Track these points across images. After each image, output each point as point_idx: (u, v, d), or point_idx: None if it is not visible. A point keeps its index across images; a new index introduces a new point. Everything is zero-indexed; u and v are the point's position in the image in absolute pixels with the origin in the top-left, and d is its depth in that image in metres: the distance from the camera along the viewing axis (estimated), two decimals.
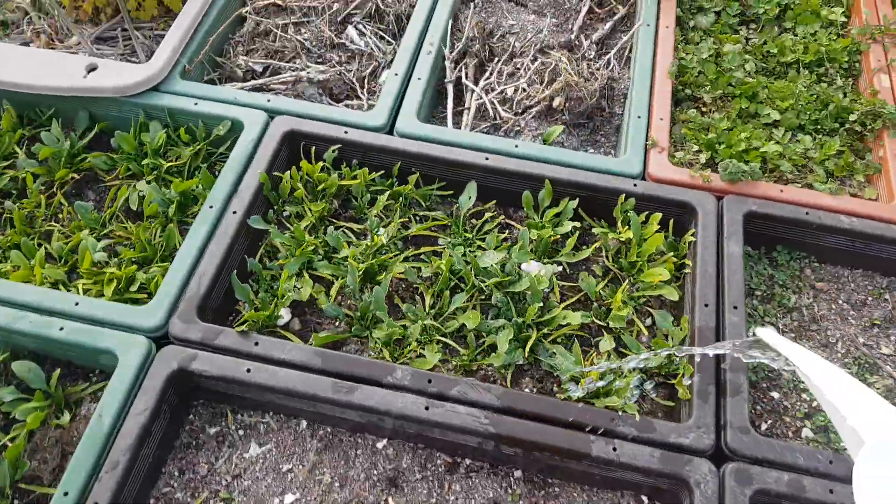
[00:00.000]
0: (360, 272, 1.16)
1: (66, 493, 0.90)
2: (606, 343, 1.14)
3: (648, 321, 1.20)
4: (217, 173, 1.33)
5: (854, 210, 1.26)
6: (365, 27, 1.59)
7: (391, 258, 1.21)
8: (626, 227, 1.24)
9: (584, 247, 1.25)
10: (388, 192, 1.28)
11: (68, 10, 1.51)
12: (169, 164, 1.31)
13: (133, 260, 1.19)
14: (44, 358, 1.10)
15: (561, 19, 1.64)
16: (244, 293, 1.14)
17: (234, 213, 1.19)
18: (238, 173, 1.25)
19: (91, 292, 1.13)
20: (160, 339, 1.07)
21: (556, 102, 1.39)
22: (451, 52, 1.47)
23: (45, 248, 1.20)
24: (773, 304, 1.26)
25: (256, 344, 1.05)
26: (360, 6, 1.61)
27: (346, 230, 1.28)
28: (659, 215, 1.23)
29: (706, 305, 1.12)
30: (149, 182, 1.29)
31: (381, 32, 1.59)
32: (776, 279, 1.29)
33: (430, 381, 1.02)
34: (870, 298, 1.29)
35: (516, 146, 1.31)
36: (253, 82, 1.45)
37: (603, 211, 1.29)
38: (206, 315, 1.09)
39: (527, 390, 1.10)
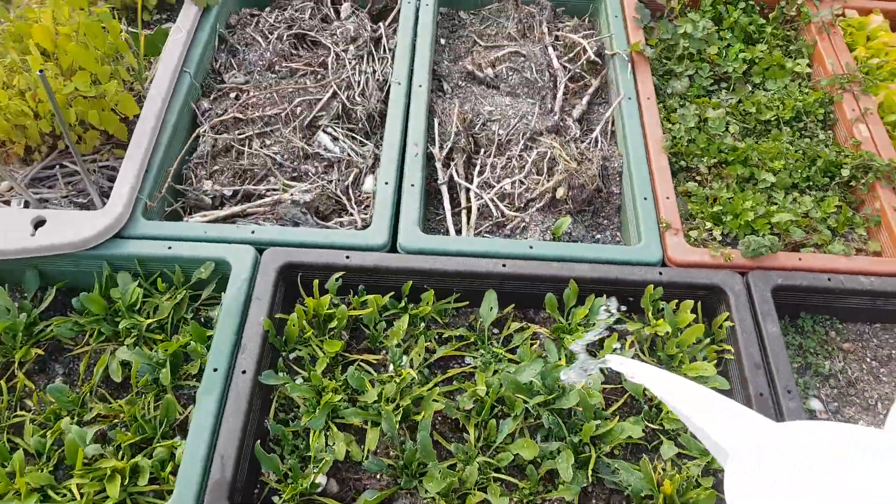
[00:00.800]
0: (398, 417, 1.17)
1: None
2: (668, 449, 1.20)
3: None
4: (204, 321, 1.32)
5: (869, 269, 1.40)
6: (335, 130, 1.62)
7: (425, 392, 1.22)
8: (659, 318, 1.32)
9: (619, 343, 1.32)
10: (404, 316, 1.30)
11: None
12: (149, 320, 1.28)
13: (131, 444, 1.14)
14: None
15: (537, 98, 1.75)
16: (272, 465, 1.12)
17: (244, 372, 1.18)
18: (237, 323, 1.23)
19: (89, 496, 1.07)
20: None
21: (559, 193, 1.47)
22: (440, 151, 1.53)
23: (21, 447, 1.13)
24: (809, 374, 1.37)
25: None
26: (325, 108, 1.65)
27: (361, 364, 1.28)
28: (690, 303, 1.32)
29: (761, 395, 1.21)
30: (129, 346, 1.25)
31: (353, 133, 1.63)
32: (805, 347, 1.40)
33: None
34: (894, 352, 1.43)
35: (531, 247, 1.37)
36: (227, 210, 1.44)
37: (627, 301, 1.37)
38: (235, 499, 1.06)
39: None
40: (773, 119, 1.73)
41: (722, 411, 0.71)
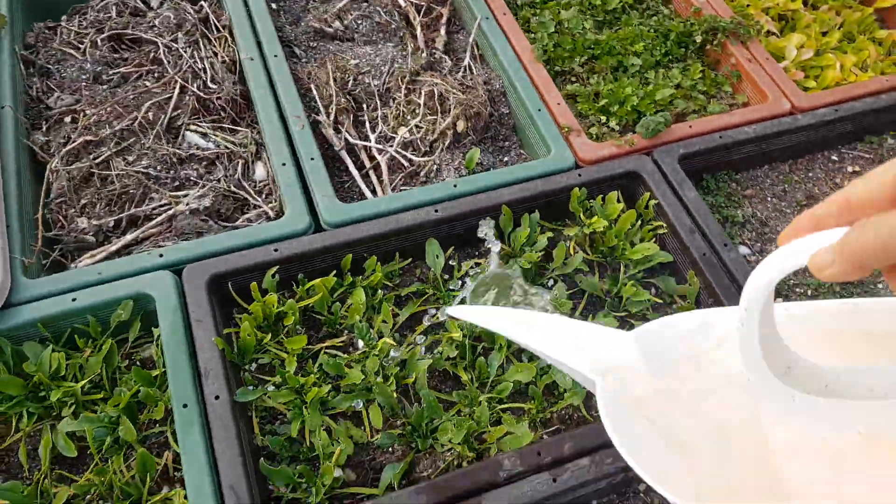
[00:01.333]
0: (392, 387, 1.22)
1: None
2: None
3: (652, 291, 1.44)
4: (141, 364, 1.26)
5: (749, 119, 1.63)
6: (199, 126, 1.58)
7: (406, 354, 1.27)
8: (593, 217, 1.46)
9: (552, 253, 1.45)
10: (358, 291, 1.33)
11: None
12: (81, 383, 1.20)
13: None
14: None
15: (395, 41, 1.80)
16: (284, 476, 1.12)
17: (217, 398, 1.16)
18: (186, 352, 1.20)
19: None
20: None
21: (460, 127, 1.55)
22: (327, 117, 1.54)
23: None
24: (728, 226, 1.59)
25: None
26: (178, 107, 1.59)
27: (327, 351, 1.30)
28: (615, 193, 1.47)
29: (704, 255, 1.39)
30: (70, 417, 1.17)
31: (220, 124, 1.59)
32: (717, 203, 1.62)
33: (539, 454, 1.13)
34: (786, 185, 1.69)
35: (455, 186, 1.45)
36: (118, 243, 1.37)
37: (556, 213, 1.50)
38: None
39: None
40: (618, 6, 1.92)
41: (574, 338, 0.70)
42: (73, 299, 1.24)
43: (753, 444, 0.61)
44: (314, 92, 1.59)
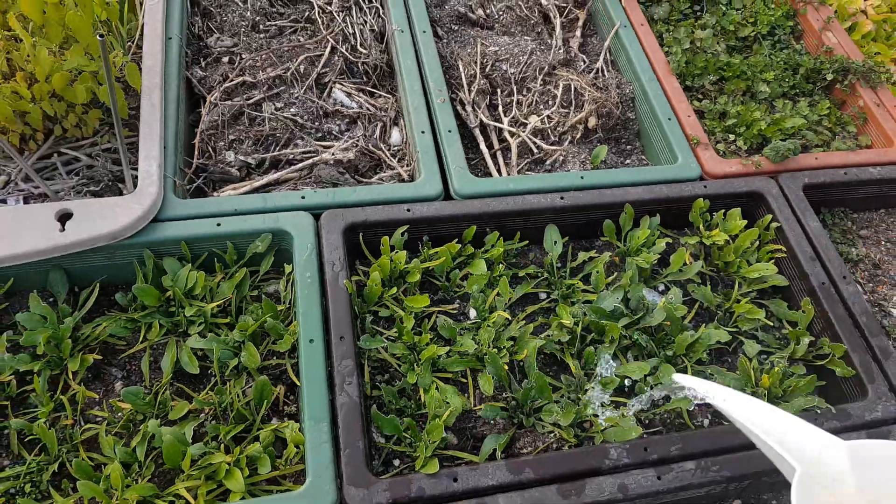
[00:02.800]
0: (504, 359, 1.13)
1: None
2: (751, 347, 1.24)
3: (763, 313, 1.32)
4: (264, 296, 1.20)
5: (876, 160, 1.49)
6: (344, 85, 1.51)
7: (517, 330, 1.18)
8: (714, 230, 1.34)
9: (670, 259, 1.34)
10: (479, 262, 1.24)
11: None
12: (212, 305, 1.15)
13: (233, 436, 1.03)
14: None
15: (532, 35, 1.71)
16: (393, 426, 1.05)
17: (342, 338, 1.09)
18: (318, 291, 1.13)
19: (202, 496, 0.96)
20: None
21: (591, 123, 1.45)
22: (468, 94, 1.46)
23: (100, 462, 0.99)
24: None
25: (455, 480, 0.97)
26: (327, 65, 1.53)
27: (438, 316, 1.22)
28: (738, 210, 1.36)
29: (823, 284, 1.26)
30: (196, 335, 1.12)
31: (363, 87, 1.53)
32: (833, 238, 1.48)
33: (646, 449, 1.03)
34: None
35: (582, 178, 1.35)
36: (261, 180, 1.31)
37: (675, 220, 1.39)
38: (372, 467, 0.99)
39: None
40: (751, 35, 1.79)
41: (788, 426, 0.71)
42: (218, 224, 1.19)
43: None
44: (460, 70, 1.51)
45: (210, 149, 1.36)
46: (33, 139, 1.23)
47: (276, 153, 1.36)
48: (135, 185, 1.17)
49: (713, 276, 1.35)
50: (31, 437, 1.02)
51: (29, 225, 1.10)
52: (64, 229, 1.10)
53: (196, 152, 1.31)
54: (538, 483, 0.99)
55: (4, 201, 1.23)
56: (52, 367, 1.07)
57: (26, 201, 1.23)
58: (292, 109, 1.42)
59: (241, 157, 1.34)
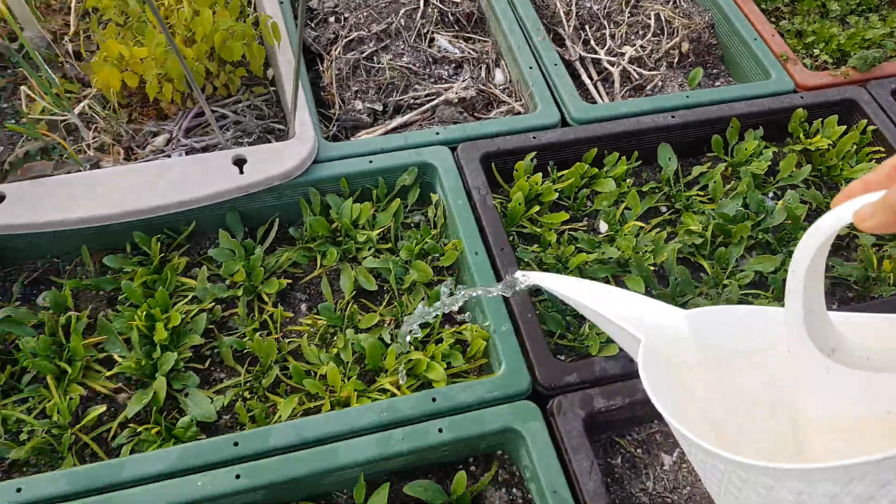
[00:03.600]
0: (648, 261, 1.25)
1: None
2: (865, 239, 1.35)
3: None
4: (412, 225, 1.32)
5: None
6: (442, 34, 1.62)
7: (654, 236, 1.30)
8: (815, 137, 1.45)
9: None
10: (607, 180, 1.36)
11: (137, 112, 1.36)
12: (375, 232, 1.27)
13: (420, 339, 1.16)
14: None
15: None
16: (557, 323, 1.18)
17: (503, 249, 1.21)
18: (470, 212, 1.25)
19: (413, 387, 1.09)
20: (531, 398, 1.07)
21: (684, 48, 1.56)
22: (567, 30, 1.57)
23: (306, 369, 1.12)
24: None
25: (631, 361, 1.10)
26: (424, 16, 1.63)
27: (570, 233, 1.34)
28: (835, 117, 1.46)
29: None
30: (367, 258, 1.25)
31: (458, 34, 1.64)
32: None
33: None
34: None
35: (687, 97, 1.46)
36: (395, 122, 1.43)
37: (773, 133, 1.49)
38: (553, 351, 1.12)
39: None
40: None
41: (629, 302, 0.70)
42: (370, 161, 1.30)
43: (786, 420, 0.61)
44: (557, 6, 1.61)
45: (339, 100, 1.47)
46: (190, 98, 1.35)
47: (397, 98, 1.48)
48: (287, 134, 1.29)
49: (817, 182, 1.46)
50: (239, 353, 1.15)
51: (212, 171, 1.22)
52: (242, 172, 1.23)
53: (337, 101, 1.42)
54: None
55: (169, 156, 1.35)
56: (248, 294, 1.20)
57: (187, 154, 1.35)
58: (405, 58, 1.53)
59: (368, 105, 1.45)
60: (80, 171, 1.27)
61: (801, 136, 1.46)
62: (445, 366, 1.11)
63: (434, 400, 1.05)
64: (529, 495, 1.04)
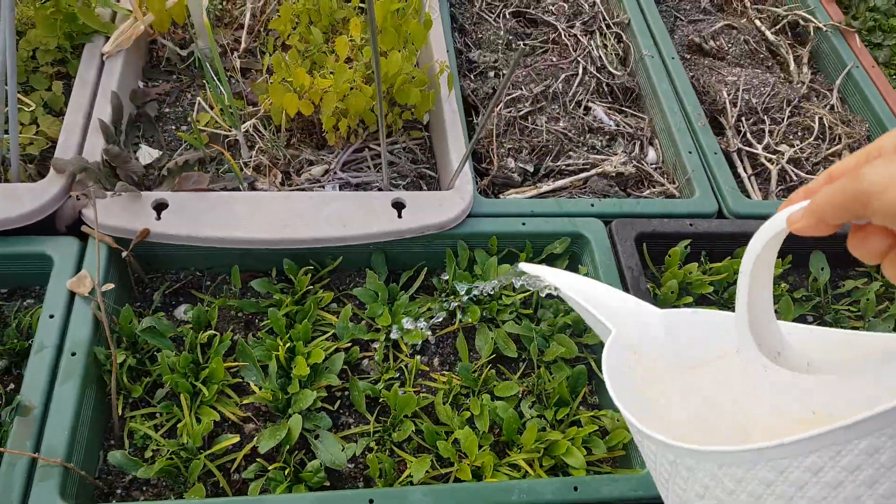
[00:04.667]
0: None
1: None
2: None
3: None
4: (556, 296, 1.27)
5: None
6: (598, 104, 1.59)
7: None
8: None
9: None
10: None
11: (297, 139, 1.36)
12: (520, 296, 1.23)
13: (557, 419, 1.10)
14: None
15: (762, 69, 1.76)
16: None
17: None
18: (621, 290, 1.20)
19: (538, 469, 1.03)
20: None
21: (844, 157, 1.49)
22: (730, 119, 1.52)
23: None
24: None
25: None
26: (581, 83, 1.61)
27: None
28: None
29: None
30: (518, 322, 1.20)
31: (615, 107, 1.61)
32: None
33: None
34: None
35: None
36: (548, 186, 1.39)
37: None
38: None
39: None
40: None
41: (609, 295, 0.71)
42: (523, 223, 1.27)
43: (737, 422, 0.62)
44: (720, 94, 1.57)
45: (491, 155, 1.45)
46: (355, 134, 1.34)
47: (551, 164, 1.44)
48: (437, 182, 1.26)
49: None
50: (370, 400, 1.11)
51: (371, 211, 1.20)
52: (400, 216, 1.20)
53: (494, 157, 1.40)
54: None
55: (323, 186, 1.33)
56: (387, 339, 1.16)
57: (341, 188, 1.34)
58: (561, 123, 1.50)
59: (521, 165, 1.42)
60: (239, 188, 1.27)
61: None
62: (585, 452, 1.05)
63: (576, 489, 0.98)
64: None
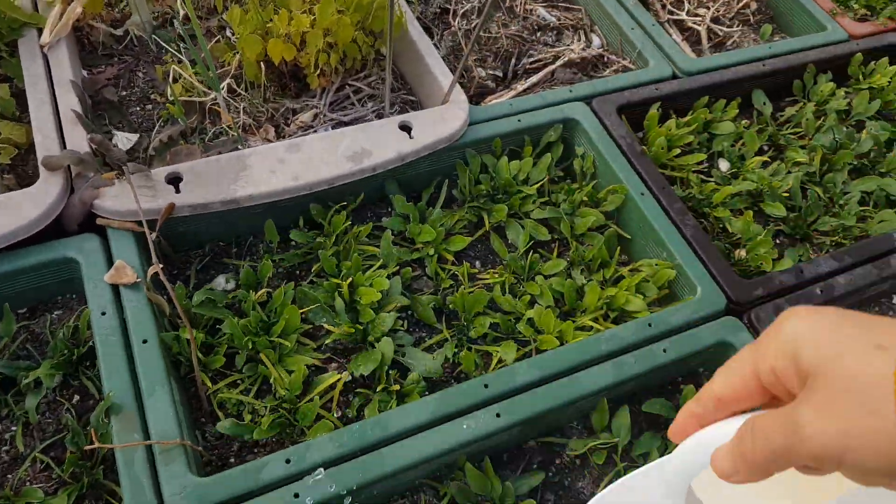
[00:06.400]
0: (780, 188, 1.32)
1: None
2: None
3: None
4: (558, 179, 1.34)
5: None
6: (538, 4, 1.64)
7: (774, 169, 1.37)
8: (874, 76, 1.57)
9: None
10: (725, 124, 1.42)
11: (272, 91, 1.30)
12: (535, 186, 1.28)
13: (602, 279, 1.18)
14: None
15: None
16: (722, 249, 1.23)
17: (664, 188, 1.25)
18: (623, 158, 1.28)
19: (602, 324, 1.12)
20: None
21: (752, 6, 1.65)
22: None
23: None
24: None
25: (801, 272, 1.17)
26: None
27: (692, 171, 1.40)
28: (886, 59, 1.59)
29: None
30: (542, 208, 1.25)
31: (552, 4, 1.66)
32: None
33: None
34: None
35: (770, 47, 1.55)
36: (523, 86, 1.43)
37: (836, 77, 1.61)
38: None
39: None
40: None
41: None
42: (519, 120, 1.31)
43: None
44: None
45: (463, 68, 1.46)
46: (335, 72, 1.30)
47: (516, 66, 1.48)
48: (420, 105, 1.27)
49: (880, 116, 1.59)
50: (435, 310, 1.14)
51: (385, 137, 1.19)
52: (412, 136, 1.20)
53: (472, 68, 1.41)
54: (854, 266, 1.20)
55: (316, 131, 1.30)
56: (436, 252, 1.18)
57: (335, 128, 1.31)
58: (512, 27, 1.53)
59: (490, 72, 1.45)
60: (238, 149, 1.21)
61: (861, 77, 1.58)
62: (642, 297, 1.14)
63: (650, 325, 1.07)
64: None
